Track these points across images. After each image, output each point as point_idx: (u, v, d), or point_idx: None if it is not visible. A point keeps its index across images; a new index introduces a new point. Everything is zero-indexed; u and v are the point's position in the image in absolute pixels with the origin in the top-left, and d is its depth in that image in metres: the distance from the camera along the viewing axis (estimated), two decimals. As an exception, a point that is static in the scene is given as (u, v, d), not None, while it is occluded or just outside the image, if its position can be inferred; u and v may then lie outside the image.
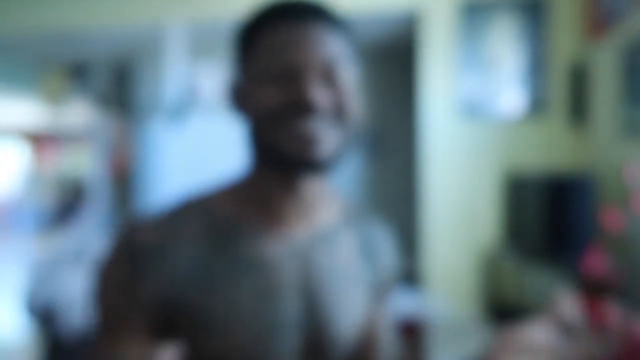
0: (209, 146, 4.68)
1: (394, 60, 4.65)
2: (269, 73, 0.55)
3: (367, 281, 0.65)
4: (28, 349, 3.06)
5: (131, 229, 0.56)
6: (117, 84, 5.67)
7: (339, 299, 0.59)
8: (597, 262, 2.37)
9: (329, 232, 0.62)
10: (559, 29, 3.53)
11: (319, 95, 0.54)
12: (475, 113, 3.57)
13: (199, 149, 4.60)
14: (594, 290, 2.49)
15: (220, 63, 4.63)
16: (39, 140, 9.92)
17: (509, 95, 3.59)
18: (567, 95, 3.50)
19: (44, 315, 2.29)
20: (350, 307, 0.61)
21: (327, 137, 0.55)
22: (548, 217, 3.09)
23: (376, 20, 4.01)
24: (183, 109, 4.05)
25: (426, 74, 3.45)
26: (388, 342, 0.68)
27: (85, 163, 9.63)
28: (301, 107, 0.54)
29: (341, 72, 0.57)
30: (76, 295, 2.35)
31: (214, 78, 4.66)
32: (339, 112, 0.56)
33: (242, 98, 0.59)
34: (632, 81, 2.71)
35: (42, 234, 8.72)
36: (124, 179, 7.48)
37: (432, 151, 3.40)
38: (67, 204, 9.35)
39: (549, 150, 3.53)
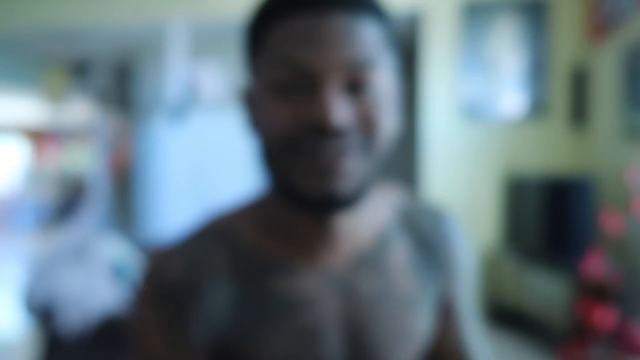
0: (210, 144, 4.68)
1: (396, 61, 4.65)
2: (281, 82, 0.44)
3: (431, 294, 0.55)
4: (26, 346, 3.06)
5: (157, 268, 0.49)
6: (118, 82, 5.67)
7: (393, 328, 0.51)
8: (597, 264, 2.37)
9: (375, 250, 0.52)
10: (560, 31, 3.53)
11: (344, 111, 0.43)
12: (476, 114, 3.57)
13: (200, 146, 4.60)
14: (593, 293, 2.49)
15: (222, 61, 4.64)
16: (40, 137, 9.92)
17: (510, 97, 3.58)
18: (568, 98, 3.50)
19: (43, 313, 2.30)
20: (409, 333, 0.52)
21: (353, 166, 0.45)
22: (548, 219, 3.09)
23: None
24: (184, 107, 4.05)
25: (428, 75, 3.45)
26: (474, 356, 0.59)
27: (85, 160, 9.64)
28: (320, 130, 0.43)
29: (374, 77, 0.45)
30: (75, 292, 2.35)
31: (215, 76, 4.66)
32: (369, 131, 0.45)
33: (253, 113, 0.49)
34: (633, 84, 2.71)
35: (42, 231, 8.73)
36: (124, 176, 7.48)
37: (433, 152, 3.40)
38: (67, 201, 9.36)
39: (549, 152, 3.53)
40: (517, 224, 3.41)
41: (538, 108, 3.59)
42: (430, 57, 3.44)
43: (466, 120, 3.46)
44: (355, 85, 0.45)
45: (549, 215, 3.10)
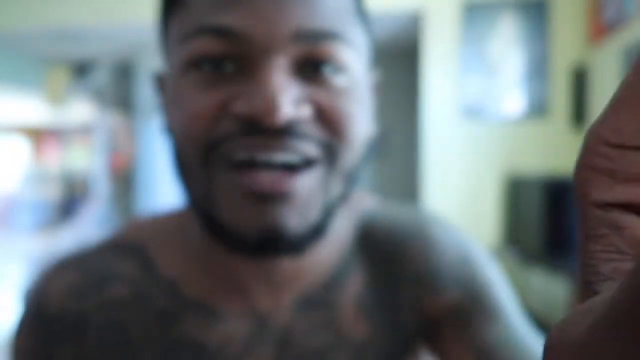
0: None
1: (396, 61, 4.65)
2: (202, 58, 0.29)
3: (393, 327, 0.39)
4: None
5: (40, 288, 0.39)
6: (118, 82, 5.68)
7: None
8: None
9: (325, 290, 0.38)
10: (561, 31, 3.53)
11: (294, 101, 0.29)
12: (477, 114, 3.57)
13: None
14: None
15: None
16: (41, 136, 9.93)
17: (511, 96, 3.59)
18: (568, 98, 3.50)
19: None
20: None
21: (309, 185, 0.31)
22: (548, 219, 3.10)
23: (378, 21, 4.01)
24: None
25: (428, 75, 3.46)
26: None
27: (86, 160, 9.64)
28: (258, 129, 0.29)
29: (340, 55, 0.31)
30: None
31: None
32: (333, 131, 0.31)
33: (165, 104, 0.34)
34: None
35: (43, 230, 8.72)
36: (125, 175, 7.48)
37: (433, 152, 3.41)
38: (68, 201, 9.36)
39: (550, 152, 3.53)
40: (518, 223, 3.42)
41: (538, 108, 3.60)
42: (431, 57, 3.44)
43: (467, 119, 3.46)
44: (312, 65, 0.30)
45: (550, 215, 3.11)
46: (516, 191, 3.43)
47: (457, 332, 0.40)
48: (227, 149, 0.29)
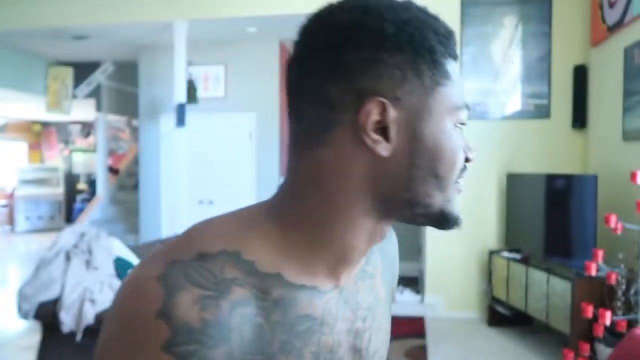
0: (211, 142, 4.70)
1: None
2: (458, 111, 0.48)
3: (390, 296, 0.61)
4: (25, 342, 3.07)
5: (167, 302, 0.40)
6: (121, 82, 5.68)
7: (382, 332, 0.55)
8: (597, 264, 2.37)
9: (366, 263, 0.54)
10: (562, 32, 3.53)
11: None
12: (478, 114, 3.57)
13: (201, 145, 4.60)
14: (594, 292, 2.49)
15: (223, 62, 4.65)
16: (42, 136, 9.94)
17: (511, 96, 3.59)
18: (569, 98, 3.50)
19: (42, 309, 2.30)
20: (388, 333, 0.58)
21: None
22: (549, 219, 3.10)
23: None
24: (185, 106, 4.05)
25: (429, 74, 3.45)
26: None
27: (88, 159, 9.66)
28: (467, 161, 0.50)
29: None
30: (74, 289, 2.36)
31: (215, 76, 4.67)
32: None
33: (407, 128, 0.45)
34: (633, 85, 2.71)
35: (43, 229, 8.75)
36: (126, 175, 7.49)
37: (433, 152, 3.40)
38: (69, 201, 9.38)
39: (551, 152, 3.53)
40: (519, 223, 3.42)
41: (539, 107, 3.59)
42: (432, 57, 3.43)
43: (467, 119, 3.45)
44: None
45: (551, 215, 3.11)
46: (517, 191, 3.44)
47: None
48: (460, 171, 0.49)
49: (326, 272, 0.48)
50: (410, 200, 0.47)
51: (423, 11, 0.47)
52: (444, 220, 0.50)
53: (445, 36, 0.46)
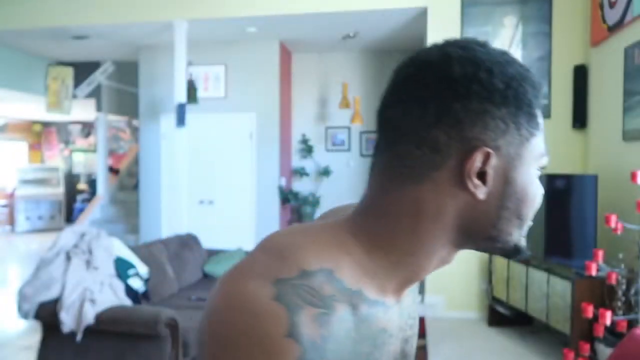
0: (211, 142, 4.69)
1: (397, 59, 4.65)
2: (542, 158, 0.53)
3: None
4: (25, 342, 3.07)
5: (290, 320, 0.43)
6: (121, 81, 5.68)
7: (415, 335, 0.61)
8: (598, 264, 2.37)
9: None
10: (562, 32, 3.52)
11: None
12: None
13: (201, 145, 4.61)
14: (594, 292, 2.49)
15: (223, 62, 4.65)
16: (42, 136, 9.94)
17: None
18: (570, 98, 3.50)
19: (42, 309, 2.30)
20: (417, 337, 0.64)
21: None
22: (549, 219, 3.09)
23: (380, 19, 4.01)
24: (186, 106, 4.05)
25: (429, 74, 3.45)
26: None
27: (88, 159, 9.66)
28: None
29: None
30: (74, 289, 2.36)
31: (215, 76, 4.67)
32: None
33: (505, 172, 0.50)
34: (633, 85, 2.71)
35: (44, 229, 8.75)
36: (127, 175, 7.49)
37: (434, 152, 3.40)
38: (69, 200, 9.39)
39: (551, 151, 3.52)
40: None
41: (539, 107, 3.59)
42: (432, 57, 3.43)
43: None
44: None
45: (551, 215, 3.10)
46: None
47: None
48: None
49: (394, 288, 0.53)
50: (494, 237, 0.52)
51: (522, 65, 0.51)
52: (516, 253, 0.55)
53: (538, 89, 0.51)
